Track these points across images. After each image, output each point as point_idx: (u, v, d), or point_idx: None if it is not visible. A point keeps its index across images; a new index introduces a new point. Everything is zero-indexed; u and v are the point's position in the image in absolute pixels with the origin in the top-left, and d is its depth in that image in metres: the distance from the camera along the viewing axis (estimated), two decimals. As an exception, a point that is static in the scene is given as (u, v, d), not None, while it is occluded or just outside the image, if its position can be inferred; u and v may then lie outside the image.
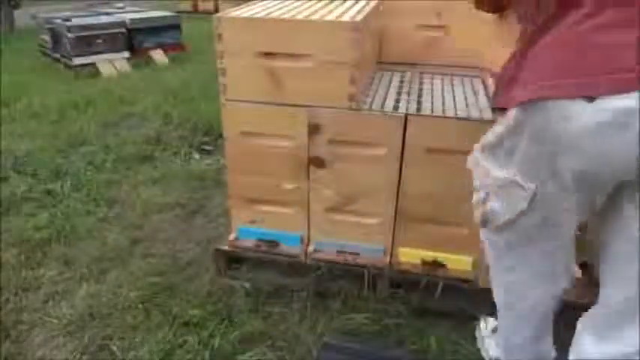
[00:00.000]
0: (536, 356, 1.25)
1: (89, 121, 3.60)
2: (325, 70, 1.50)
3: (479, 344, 1.57)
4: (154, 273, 1.97)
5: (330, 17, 1.53)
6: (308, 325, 1.68)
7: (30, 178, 2.77)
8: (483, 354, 1.53)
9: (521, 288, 1.16)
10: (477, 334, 1.60)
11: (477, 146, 1.10)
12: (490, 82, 1.68)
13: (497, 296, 1.24)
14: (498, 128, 0.98)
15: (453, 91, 1.76)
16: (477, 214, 1.10)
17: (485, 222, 1.08)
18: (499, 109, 1.02)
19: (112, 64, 5.19)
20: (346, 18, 1.50)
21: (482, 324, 1.60)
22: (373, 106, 1.58)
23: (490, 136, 1.02)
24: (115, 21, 5.33)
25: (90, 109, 3.91)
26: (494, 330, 1.57)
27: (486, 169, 1.04)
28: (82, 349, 1.63)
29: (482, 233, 1.16)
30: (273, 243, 1.84)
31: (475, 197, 1.10)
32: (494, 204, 1.03)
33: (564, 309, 1.19)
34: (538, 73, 0.89)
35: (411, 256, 1.73)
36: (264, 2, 1.81)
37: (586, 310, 1.13)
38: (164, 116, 3.66)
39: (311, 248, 1.80)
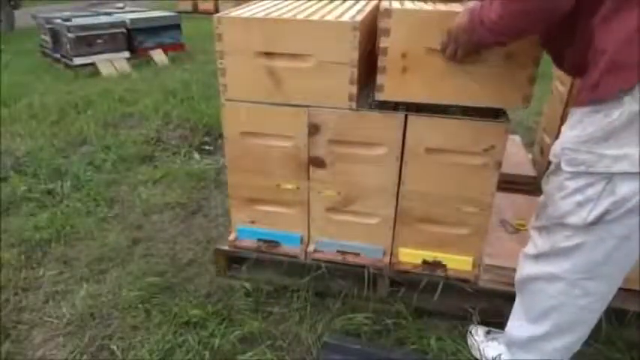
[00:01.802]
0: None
1: (89, 121, 3.60)
2: (325, 70, 1.50)
3: (472, 351, 1.57)
4: (154, 273, 1.97)
5: (330, 17, 1.53)
6: (308, 325, 1.68)
7: (30, 178, 2.78)
8: (480, 358, 1.53)
9: (621, 277, 1.18)
10: (469, 341, 1.60)
11: (570, 142, 1.08)
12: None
13: (591, 292, 1.19)
14: (618, 112, 0.98)
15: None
16: (584, 214, 1.08)
17: (600, 217, 1.06)
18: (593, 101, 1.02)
19: (112, 64, 5.19)
20: (346, 18, 1.50)
21: (474, 331, 1.60)
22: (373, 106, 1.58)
23: (603, 122, 1.00)
24: (115, 21, 5.33)
25: (90, 109, 3.92)
26: (488, 333, 1.57)
27: (604, 156, 1.02)
28: (82, 349, 1.63)
29: (585, 234, 1.11)
30: (273, 243, 1.84)
31: (581, 197, 1.08)
32: (622, 189, 1.02)
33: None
34: None
35: (411, 256, 1.73)
36: (264, 2, 1.81)
37: None
38: (164, 116, 3.66)
39: (311, 248, 1.80)
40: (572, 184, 1.09)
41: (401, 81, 1.46)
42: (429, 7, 1.46)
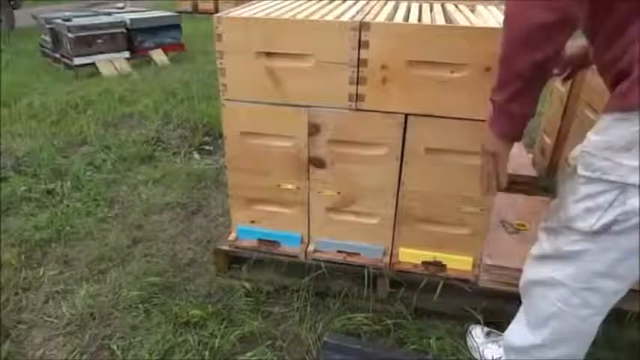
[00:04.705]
0: None
1: (89, 121, 3.60)
2: (325, 70, 1.50)
3: (472, 352, 1.57)
4: (154, 273, 1.97)
5: (330, 17, 1.53)
6: (308, 325, 1.68)
7: (30, 178, 2.77)
8: (479, 359, 1.53)
9: (621, 291, 1.17)
10: (469, 342, 1.60)
11: (590, 147, 1.05)
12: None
13: (591, 304, 1.17)
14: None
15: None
16: (592, 221, 1.06)
17: (608, 226, 1.05)
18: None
19: (112, 64, 5.19)
20: (346, 18, 1.50)
21: (474, 332, 1.60)
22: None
23: (627, 131, 0.98)
24: (115, 21, 5.33)
25: (90, 109, 3.92)
26: (488, 334, 1.57)
27: (621, 165, 1.00)
28: (82, 349, 1.63)
29: (589, 242, 1.10)
30: (273, 243, 1.84)
31: (591, 203, 1.06)
32: (634, 201, 1.00)
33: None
34: None
35: (411, 256, 1.73)
36: (264, 2, 1.81)
37: None
38: (164, 116, 3.66)
39: (311, 248, 1.80)
40: (585, 189, 1.07)
41: (381, 91, 1.49)
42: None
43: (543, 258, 1.24)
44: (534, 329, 1.29)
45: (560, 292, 1.19)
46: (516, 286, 1.39)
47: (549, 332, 1.25)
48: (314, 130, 1.60)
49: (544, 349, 1.27)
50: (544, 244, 1.24)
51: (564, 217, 1.15)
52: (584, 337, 1.25)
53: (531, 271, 1.29)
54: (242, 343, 1.63)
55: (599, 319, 1.21)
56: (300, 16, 1.54)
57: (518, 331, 1.36)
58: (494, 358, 1.47)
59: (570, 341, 1.25)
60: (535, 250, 1.28)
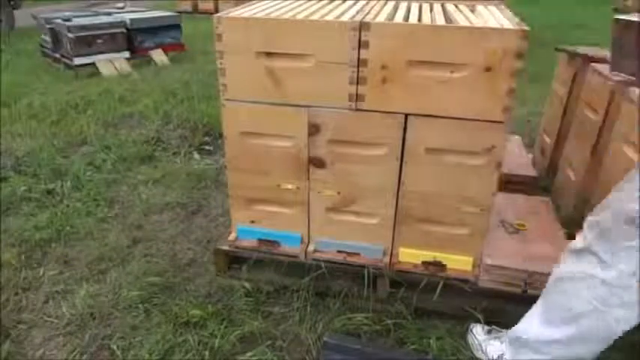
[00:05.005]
0: None
1: (89, 121, 3.60)
2: (325, 70, 1.50)
3: (474, 350, 1.56)
4: (154, 273, 1.97)
5: (330, 17, 1.53)
6: (308, 325, 1.68)
7: (30, 178, 2.78)
8: (481, 357, 1.53)
9: None
10: (470, 340, 1.60)
11: None
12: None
13: (626, 303, 1.17)
14: None
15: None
16: None
17: None
18: None
19: (112, 64, 5.19)
20: (346, 18, 1.50)
21: (475, 330, 1.60)
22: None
23: None
24: (115, 21, 5.33)
25: (90, 109, 3.92)
26: (490, 332, 1.57)
27: None
28: (82, 349, 1.63)
29: None
30: (273, 243, 1.84)
31: None
32: None
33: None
34: None
35: (411, 256, 1.73)
36: (264, 2, 1.81)
37: None
38: (164, 116, 3.66)
39: (311, 248, 1.80)
40: None
41: (381, 91, 1.49)
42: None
43: (584, 252, 1.21)
44: (559, 325, 1.26)
45: (597, 291, 1.17)
46: (516, 286, 1.39)
47: (576, 329, 1.22)
48: (314, 130, 1.60)
49: (563, 345, 1.25)
50: (589, 238, 1.20)
51: (632, 212, 1.12)
52: (608, 338, 1.23)
53: (567, 267, 1.25)
54: (242, 343, 1.63)
55: (628, 324, 1.19)
56: (300, 16, 1.54)
57: (531, 326, 1.34)
58: (497, 354, 1.47)
59: (593, 342, 1.23)
60: (575, 243, 1.25)
